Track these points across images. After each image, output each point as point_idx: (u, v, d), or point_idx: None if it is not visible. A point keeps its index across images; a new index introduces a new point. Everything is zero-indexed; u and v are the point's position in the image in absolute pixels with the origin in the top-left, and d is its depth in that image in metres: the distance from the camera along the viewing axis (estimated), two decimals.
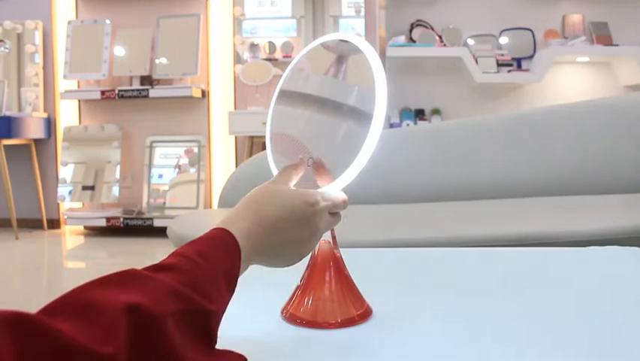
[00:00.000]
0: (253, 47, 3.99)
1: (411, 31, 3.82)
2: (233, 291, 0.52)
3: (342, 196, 0.64)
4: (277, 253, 0.59)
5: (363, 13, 3.74)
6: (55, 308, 0.39)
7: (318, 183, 0.64)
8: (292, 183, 0.63)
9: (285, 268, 0.63)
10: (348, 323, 0.64)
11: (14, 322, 0.35)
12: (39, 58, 4.08)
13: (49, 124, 4.10)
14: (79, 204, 4.13)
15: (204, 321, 0.47)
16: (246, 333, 0.62)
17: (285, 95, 0.70)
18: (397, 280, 0.85)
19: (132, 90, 3.88)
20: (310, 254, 0.65)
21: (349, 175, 0.63)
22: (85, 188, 3.98)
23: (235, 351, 0.52)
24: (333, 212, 0.63)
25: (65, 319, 0.38)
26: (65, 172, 4.01)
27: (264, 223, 0.57)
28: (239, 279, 0.55)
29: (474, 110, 3.75)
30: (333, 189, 0.64)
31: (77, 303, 0.40)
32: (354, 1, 4.03)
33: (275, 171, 0.68)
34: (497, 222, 1.41)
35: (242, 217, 0.57)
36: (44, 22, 4.09)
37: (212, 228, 0.55)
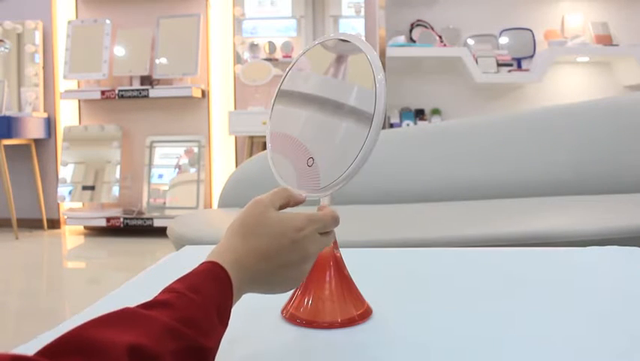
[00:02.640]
0: (253, 47, 3.99)
1: (411, 31, 3.82)
2: (227, 325, 0.52)
3: (332, 214, 0.61)
4: (268, 280, 0.58)
5: (363, 13, 3.74)
6: (56, 349, 0.39)
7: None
8: (284, 210, 0.61)
9: None
10: (348, 323, 0.64)
11: None
12: (39, 58, 4.08)
13: (49, 124, 4.10)
14: (79, 204, 4.13)
15: (201, 358, 0.47)
16: (246, 333, 0.62)
17: (285, 95, 0.70)
18: (397, 280, 0.85)
19: (132, 90, 3.88)
20: None
21: (349, 175, 0.62)
22: (85, 188, 3.98)
23: None
24: (325, 231, 0.61)
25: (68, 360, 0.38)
26: (65, 172, 4.02)
27: (253, 253, 0.56)
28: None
29: (474, 110, 3.75)
30: (322, 210, 0.62)
31: (78, 344, 0.40)
32: (354, 1, 4.02)
33: (274, 171, 0.68)
34: (497, 222, 1.41)
35: (231, 248, 0.57)
36: (44, 22, 4.09)
37: (202, 262, 0.55)
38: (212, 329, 0.49)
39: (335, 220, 0.62)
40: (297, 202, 0.63)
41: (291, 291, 0.68)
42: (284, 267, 0.58)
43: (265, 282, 0.58)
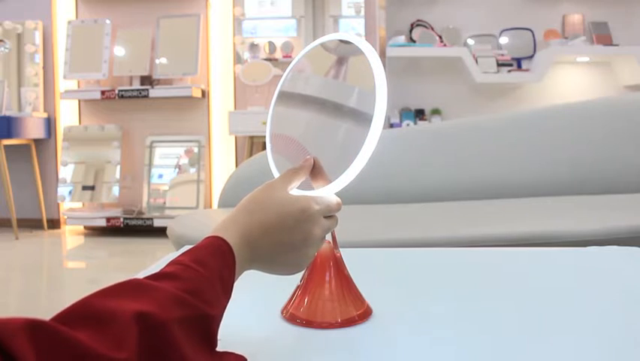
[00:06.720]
0: (253, 47, 3.99)
1: (411, 31, 3.82)
2: (230, 297, 0.54)
3: (336, 199, 0.64)
4: (272, 259, 0.59)
5: (363, 13, 3.74)
6: (67, 317, 0.41)
7: (314, 186, 0.64)
8: (292, 187, 0.62)
9: None
10: (348, 323, 0.64)
11: (33, 329, 0.36)
12: (39, 58, 4.08)
13: (49, 124, 4.10)
14: (79, 204, 4.13)
15: (206, 326, 0.49)
16: (246, 333, 0.62)
17: (284, 96, 0.70)
18: (397, 280, 0.85)
19: (132, 90, 3.88)
20: None
21: (349, 176, 0.62)
22: (85, 188, 3.98)
23: (235, 353, 0.53)
24: (329, 215, 0.63)
25: (80, 327, 0.39)
26: (65, 172, 4.02)
27: (257, 230, 0.58)
28: (237, 282, 0.56)
29: (474, 110, 3.75)
30: (327, 192, 0.63)
31: (89, 312, 0.41)
32: (354, 1, 4.03)
33: (275, 172, 0.68)
34: (497, 222, 1.41)
35: (236, 224, 0.58)
36: (44, 22, 4.09)
37: (207, 236, 0.57)
38: (216, 299, 0.51)
39: (338, 204, 0.64)
40: (305, 169, 0.64)
41: (291, 291, 0.68)
42: (287, 247, 0.59)
43: (268, 260, 0.59)
